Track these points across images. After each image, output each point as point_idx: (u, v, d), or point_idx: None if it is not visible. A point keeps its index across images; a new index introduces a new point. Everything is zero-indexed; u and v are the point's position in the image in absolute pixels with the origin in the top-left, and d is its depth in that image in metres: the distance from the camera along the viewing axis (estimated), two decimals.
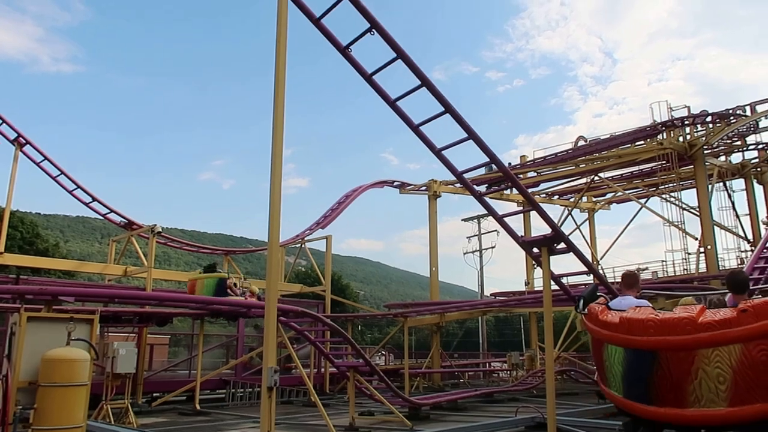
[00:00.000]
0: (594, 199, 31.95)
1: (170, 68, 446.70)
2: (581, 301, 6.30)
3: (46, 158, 19.08)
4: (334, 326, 13.24)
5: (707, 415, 4.98)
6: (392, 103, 8.66)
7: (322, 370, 20.36)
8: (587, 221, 31.48)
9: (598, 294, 6.32)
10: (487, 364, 32.83)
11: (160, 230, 18.03)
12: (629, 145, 24.36)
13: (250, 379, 17.43)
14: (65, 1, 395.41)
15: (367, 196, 29.03)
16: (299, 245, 24.79)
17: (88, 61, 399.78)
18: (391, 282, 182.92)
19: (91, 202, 20.14)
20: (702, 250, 21.09)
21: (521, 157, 29.93)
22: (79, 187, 19.76)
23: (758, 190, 26.58)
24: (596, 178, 26.72)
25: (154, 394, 16.22)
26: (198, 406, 14.19)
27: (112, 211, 20.33)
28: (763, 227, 23.58)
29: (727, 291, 6.40)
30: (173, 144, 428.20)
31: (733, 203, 25.48)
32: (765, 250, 15.78)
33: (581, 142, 27.27)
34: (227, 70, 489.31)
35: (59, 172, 19.38)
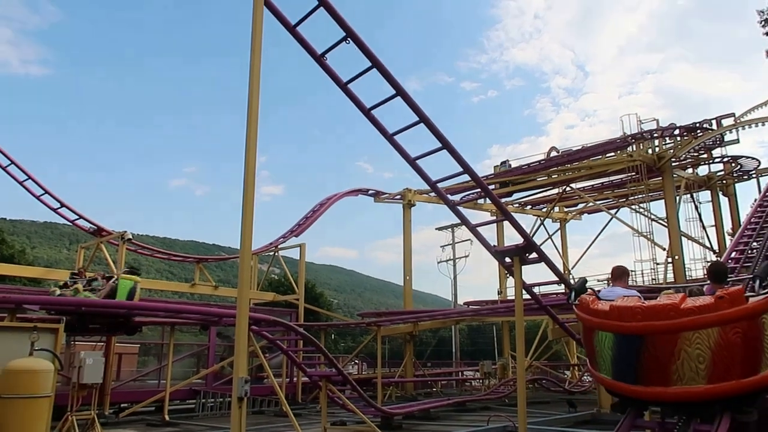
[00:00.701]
0: (566, 210, 32.43)
1: (142, 73, 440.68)
2: (572, 293, 6.80)
3: (12, 162, 18.61)
4: (306, 335, 13.14)
5: (688, 392, 5.47)
6: (367, 112, 8.68)
7: (295, 379, 20.17)
8: (559, 231, 31.93)
9: (587, 287, 6.80)
10: (460, 373, 32.92)
11: (131, 237, 17.73)
12: (600, 157, 24.81)
13: (220, 389, 17.17)
14: (35, 4, 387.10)
15: (341, 204, 29.10)
16: (273, 253, 24.61)
17: (58, 63, 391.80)
18: (365, 290, 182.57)
19: (59, 208, 19.70)
20: (670, 260, 21.54)
21: (495, 167, 30.23)
22: (47, 192, 19.32)
23: (724, 202, 27.34)
24: (568, 188, 27.13)
25: (122, 405, 15.86)
26: (167, 417, 13.92)
27: (80, 217, 19.90)
28: (728, 238, 24.21)
29: (703, 283, 6.86)
30: (145, 149, 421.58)
31: (699, 215, 26.12)
32: (730, 261, 16.20)
33: (553, 153, 27.68)
34: (201, 76, 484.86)
35: (26, 177, 18.92)
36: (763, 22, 26.78)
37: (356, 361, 30.49)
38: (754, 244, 10.78)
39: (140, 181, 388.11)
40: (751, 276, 6.29)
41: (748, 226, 12.10)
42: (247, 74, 6.95)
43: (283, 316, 19.77)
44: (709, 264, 7.59)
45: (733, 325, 5.32)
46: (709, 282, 6.68)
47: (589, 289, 6.75)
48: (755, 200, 15.43)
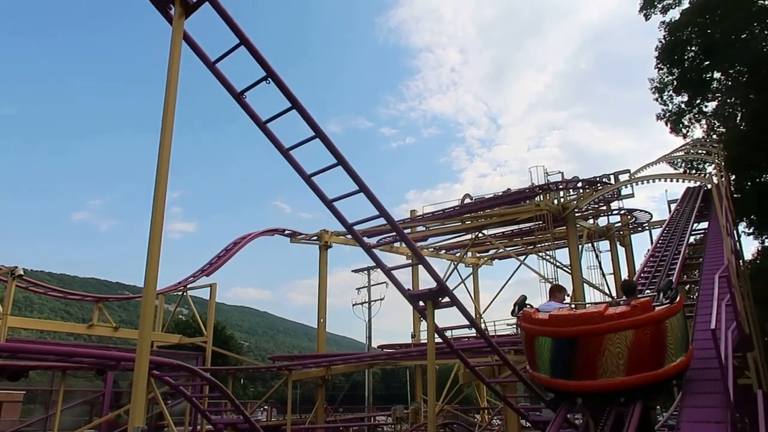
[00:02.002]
0: (478, 255, 33.42)
1: (45, 98, 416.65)
2: (516, 307, 8.08)
3: None
4: (212, 380, 12.55)
5: (611, 383, 6.60)
6: (285, 152, 8.62)
7: (198, 427, 19.08)
8: (472, 276, 32.79)
9: (527, 303, 8.11)
10: (372, 418, 32.46)
11: (22, 273, 16.38)
12: (510, 205, 25.92)
13: None
14: None
15: (256, 244, 28.35)
16: (181, 293, 23.52)
17: None
18: (278, 333, 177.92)
19: None
20: (573, 306, 22.56)
21: (411, 211, 30.81)
22: None
23: (621, 251, 29.27)
24: (480, 234, 28.04)
25: None
26: None
27: None
28: None
29: (619, 299, 8.36)
30: (44, 181, 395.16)
31: (600, 263, 27.75)
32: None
33: (467, 200, 28.65)
34: (112, 104, 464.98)
35: None
36: (653, 89, 29.61)
37: (265, 407, 29.38)
38: (647, 291, 11.57)
39: (37, 213, 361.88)
40: (656, 291, 7.77)
41: (642, 275, 12.98)
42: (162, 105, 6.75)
43: (189, 360, 18.82)
44: (622, 282, 9.67)
45: (644, 328, 6.58)
46: (624, 297, 8.03)
47: (528, 305, 8.02)
48: (648, 250, 16.60)
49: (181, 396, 15.00)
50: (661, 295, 7.34)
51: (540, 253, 25.87)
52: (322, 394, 23.14)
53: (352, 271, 41.84)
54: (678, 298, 7.17)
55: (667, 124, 29.70)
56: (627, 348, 6.50)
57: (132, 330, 23.68)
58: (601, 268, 27.61)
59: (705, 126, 29.70)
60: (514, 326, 26.59)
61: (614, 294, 26.93)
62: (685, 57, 26.95)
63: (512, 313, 8.17)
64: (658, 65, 28.35)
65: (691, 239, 18.32)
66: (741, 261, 20.46)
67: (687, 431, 6.49)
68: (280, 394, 27.02)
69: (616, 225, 29.04)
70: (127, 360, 12.65)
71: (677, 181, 22.54)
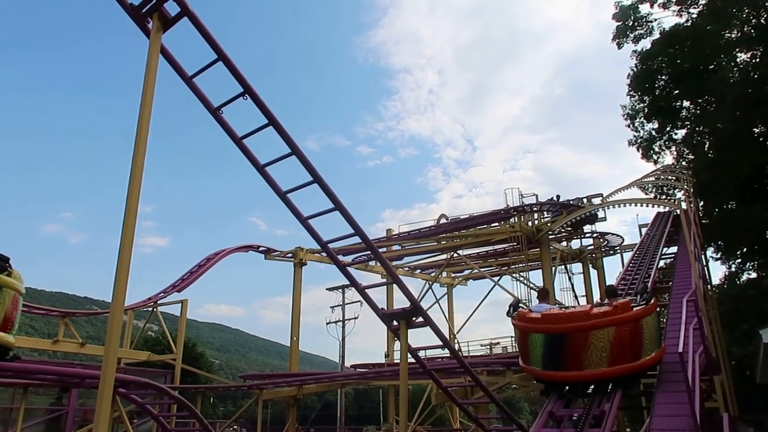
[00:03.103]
0: (453, 275, 33.49)
1: (22, 108, 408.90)
2: (511, 308, 9.07)
3: None
4: (180, 399, 12.28)
5: (595, 373, 7.53)
6: (261, 169, 8.59)
7: None
8: (446, 296, 32.81)
9: (520, 304, 9.24)
10: None
11: None
12: (485, 226, 26.10)
13: None
14: None
15: (230, 260, 28.04)
16: (151, 309, 23.07)
17: None
18: (250, 351, 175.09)
19: None
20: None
21: (387, 230, 30.82)
22: None
23: (593, 273, 29.64)
24: (455, 254, 28.15)
25: None
26: None
27: None
28: None
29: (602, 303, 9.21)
30: (12, 191, 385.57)
31: (572, 285, 28.01)
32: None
33: (443, 220, 28.79)
34: (87, 116, 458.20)
35: None
36: (625, 116, 30.33)
37: (235, 426, 28.82)
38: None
39: (4, 224, 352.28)
40: (634, 294, 9.04)
41: None
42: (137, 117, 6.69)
43: (157, 378, 18.40)
44: (606, 287, 10.91)
45: (624, 325, 7.53)
46: (607, 299, 8.89)
47: (521, 306, 9.15)
48: (620, 273, 16.84)
49: (147, 415, 14.64)
50: (638, 297, 8.30)
51: (514, 275, 26.04)
52: (293, 414, 22.76)
53: (327, 289, 41.59)
54: (652, 300, 8.11)
55: (638, 150, 30.41)
56: (609, 342, 7.39)
57: (99, 346, 23.08)
58: (573, 290, 27.89)
59: (675, 153, 30.48)
60: (488, 347, 26.74)
61: None
62: (656, 85, 27.71)
63: (507, 314, 9.06)
64: (630, 93, 29.09)
65: (661, 263, 18.63)
66: (709, 286, 20.87)
67: None
68: (251, 414, 26.53)
69: (589, 248, 29.43)
70: (91, 377, 12.31)
71: (648, 206, 22.99)
